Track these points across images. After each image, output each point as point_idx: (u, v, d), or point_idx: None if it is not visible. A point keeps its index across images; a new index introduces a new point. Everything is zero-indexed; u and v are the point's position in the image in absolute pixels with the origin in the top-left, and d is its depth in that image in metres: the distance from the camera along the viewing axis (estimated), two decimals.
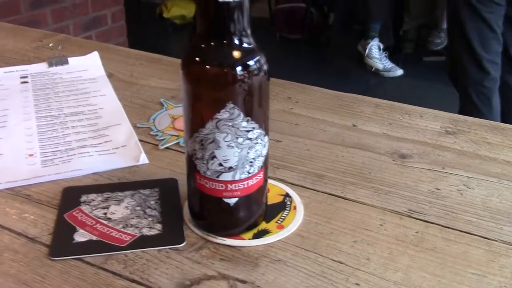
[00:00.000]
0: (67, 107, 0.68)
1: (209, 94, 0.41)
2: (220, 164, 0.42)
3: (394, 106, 0.69)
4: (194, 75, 0.41)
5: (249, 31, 0.40)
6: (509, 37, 1.66)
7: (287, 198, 0.51)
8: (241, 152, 0.42)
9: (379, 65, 2.69)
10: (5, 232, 0.46)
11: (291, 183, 0.53)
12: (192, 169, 0.44)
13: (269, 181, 0.50)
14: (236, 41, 0.40)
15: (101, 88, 0.73)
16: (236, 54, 0.40)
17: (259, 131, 0.42)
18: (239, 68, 0.39)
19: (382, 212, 0.49)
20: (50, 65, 0.79)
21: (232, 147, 0.41)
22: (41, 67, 0.79)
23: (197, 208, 0.47)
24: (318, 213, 0.49)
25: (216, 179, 0.43)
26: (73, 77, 0.76)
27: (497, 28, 1.63)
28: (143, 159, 0.57)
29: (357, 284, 0.41)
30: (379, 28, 2.71)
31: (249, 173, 0.43)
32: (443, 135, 0.62)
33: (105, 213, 0.48)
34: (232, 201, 0.44)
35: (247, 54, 0.40)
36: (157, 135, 0.62)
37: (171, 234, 0.46)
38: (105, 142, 0.60)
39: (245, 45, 0.40)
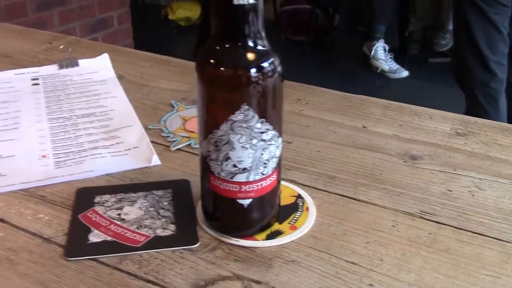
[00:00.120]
0: (78, 108, 0.68)
1: (224, 96, 0.41)
2: (235, 165, 0.42)
3: (404, 107, 0.69)
4: (209, 77, 0.41)
5: (263, 33, 0.41)
6: None
7: (299, 199, 0.51)
8: (255, 154, 0.42)
9: (385, 67, 2.69)
10: (20, 233, 0.47)
11: (302, 184, 0.53)
12: (206, 170, 0.44)
13: (281, 182, 0.50)
14: (251, 43, 0.40)
15: (112, 90, 0.73)
16: (251, 56, 0.40)
17: (273, 132, 0.42)
18: (254, 70, 0.40)
19: (394, 213, 0.49)
20: (61, 67, 0.80)
21: (246, 148, 0.42)
22: (52, 69, 0.80)
23: (210, 209, 0.47)
24: (330, 214, 0.49)
25: (230, 180, 0.43)
26: (83, 79, 0.77)
27: (504, 30, 1.63)
28: (155, 160, 0.57)
29: (370, 285, 0.41)
30: (384, 29, 2.71)
31: (263, 174, 0.43)
32: (454, 137, 0.63)
33: (119, 214, 0.49)
34: (246, 202, 0.44)
35: (262, 56, 0.40)
36: (168, 136, 0.62)
37: (185, 235, 0.46)
38: (117, 143, 0.60)
39: (259, 47, 0.41)
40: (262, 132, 0.42)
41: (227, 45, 0.40)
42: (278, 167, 0.45)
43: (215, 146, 0.42)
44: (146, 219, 0.48)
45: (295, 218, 0.48)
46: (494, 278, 0.42)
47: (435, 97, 2.36)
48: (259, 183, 0.44)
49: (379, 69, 2.71)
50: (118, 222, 0.47)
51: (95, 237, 0.46)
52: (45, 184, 0.53)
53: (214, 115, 0.42)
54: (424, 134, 0.63)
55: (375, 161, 0.57)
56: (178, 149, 0.60)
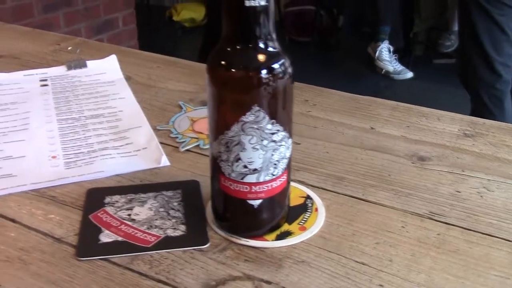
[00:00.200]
0: (87, 109, 0.68)
1: (235, 97, 0.41)
2: (245, 166, 0.43)
3: (411, 108, 0.70)
4: (221, 79, 0.41)
5: (274, 35, 0.41)
6: None
7: (308, 200, 0.51)
8: (266, 154, 0.42)
9: (389, 68, 2.69)
10: (32, 233, 0.47)
11: (311, 185, 0.54)
12: (217, 171, 0.44)
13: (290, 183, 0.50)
14: (262, 45, 0.40)
15: (120, 91, 0.74)
16: (262, 57, 0.41)
17: (283, 133, 0.43)
18: (265, 72, 0.40)
19: (403, 214, 0.49)
20: (69, 68, 0.80)
21: (257, 149, 0.42)
22: (60, 70, 0.80)
23: (220, 209, 0.47)
24: (339, 215, 0.49)
25: (241, 181, 0.43)
26: (92, 80, 0.77)
27: (509, 31, 1.63)
28: (164, 161, 0.57)
29: (380, 285, 0.41)
30: (389, 30, 2.71)
31: (273, 175, 0.44)
32: (462, 138, 0.63)
33: (129, 214, 0.49)
34: (256, 202, 0.44)
35: (273, 57, 0.41)
36: (177, 137, 0.62)
37: (195, 235, 0.46)
38: (126, 144, 0.60)
39: (270, 48, 0.41)
40: (272, 133, 0.42)
41: (238, 47, 0.41)
42: (288, 168, 0.45)
43: (226, 147, 0.42)
44: (156, 219, 0.48)
45: (304, 219, 0.48)
46: (504, 278, 0.42)
47: (440, 98, 2.36)
48: (269, 184, 0.44)
49: (384, 70, 2.71)
50: (129, 223, 0.48)
51: (106, 237, 0.46)
52: (56, 184, 0.54)
53: (225, 116, 0.42)
54: (432, 135, 0.63)
55: (383, 162, 0.58)
56: (187, 150, 0.60)
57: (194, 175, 0.55)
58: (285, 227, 0.47)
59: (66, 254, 0.44)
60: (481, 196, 0.52)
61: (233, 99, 0.42)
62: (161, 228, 0.47)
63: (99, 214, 0.49)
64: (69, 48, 0.88)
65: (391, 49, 2.71)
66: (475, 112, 1.67)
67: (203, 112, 0.68)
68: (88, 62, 0.82)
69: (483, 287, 0.41)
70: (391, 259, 0.44)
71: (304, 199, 0.51)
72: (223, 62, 0.41)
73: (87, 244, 0.45)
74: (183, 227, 0.47)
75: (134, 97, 0.72)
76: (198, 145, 0.61)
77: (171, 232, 0.47)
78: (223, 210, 0.47)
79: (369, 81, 2.73)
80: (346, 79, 2.66)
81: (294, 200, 0.50)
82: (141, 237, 0.46)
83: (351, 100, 0.72)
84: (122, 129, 0.64)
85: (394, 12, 2.71)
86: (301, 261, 0.44)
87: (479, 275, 0.42)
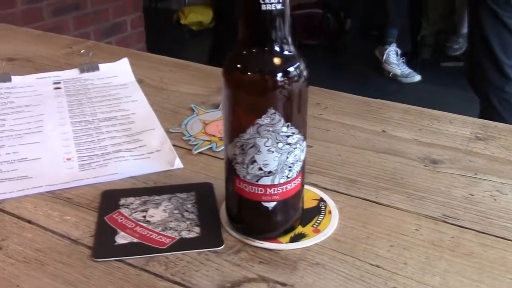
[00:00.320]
0: (100, 112, 0.69)
1: (251, 100, 0.42)
2: (260, 169, 0.43)
3: (423, 111, 0.70)
4: (237, 82, 0.42)
5: (289, 38, 0.41)
6: None
7: (322, 203, 0.51)
8: (281, 157, 0.43)
9: (397, 71, 2.69)
10: (48, 234, 0.48)
11: (324, 188, 0.54)
12: (231, 173, 0.45)
13: None
14: (278, 48, 0.41)
15: (132, 94, 0.74)
16: (279, 60, 0.41)
17: (298, 136, 0.43)
18: (281, 75, 0.40)
19: (417, 217, 0.49)
20: (82, 71, 0.81)
21: (272, 152, 0.42)
22: (73, 73, 0.81)
23: (235, 211, 0.47)
24: (353, 218, 0.49)
25: (256, 183, 0.44)
26: (104, 83, 0.78)
27: None
28: (178, 163, 0.58)
29: None
30: (396, 33, 2.71)
31: (288, 177, 0.44)
32: (474, 141, 0.63)
33: (144, 216, 0.49)
34: (271, 205, 0.45)
35: (289, 60, 0.41)
36: (189, 140, 0.63)
37: (209, 237, 0.47)
38: (140, 146, 0.61)
39: (286, 52, 0.41)
40: (287, 136, 0.42)
41: (254, 50, 0.41)
42: (302, 171, 0.46)
43: (241, 150, 0.43)
44: (171, 221, 0.49)
45: (318, 221, 0.49)
46: None
47: (448, 101, 2.35)
48: (283, 186, 0.44)
49: (391, 73, 2.71)
50: (144, 224, 0.48)
51: (122, 238, 0.47)
52: (71, 186, 0.54)
53: (241, 119, 0.42)
54: (444, 139, 0.63)
55: (395, 165, 0.58)
56: (200, 153, 0.60)
57: (207, 177, 0.56)
58: (299, 229, 0.48)
59: (83, 255, 0.45)
60: (495, 199, 0.52)
61: (249, 102, 0.42)
62: (176, 230, 0.47)
63: (114, 216, 0.49)
64: (82, 52, 0.88)
65: (399, 52, 2.70)
66: (484, 115, 1.67)
67: (215, 115, 0.69)
68: (100, 65, 0.82)
69: None
70: (405, 261, 0.44)
71: (317, 201, 0.52)
72: (239, 65, 0.42)
73: (103, 245, 0.46)
74: (197, 229, 0.48)
75: (146, 100, 0.72)
76: (210, 148, 0.61)
77: (185, 234, 0.47)
78: (238, 212, 0.47)
79: (376, 84, 2.72)
80: (354, 82, 2.65)
81: (308, 202, 0.51)
82: (156, 238, 0.46)
83: (362, 103, 0.72)
84: (135, 131, 0.64)
85: (402, 15, 2.70)
86: (316, 263, 0.44)
87: (494, 278, 0.42)
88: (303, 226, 0.48)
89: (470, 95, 1.83)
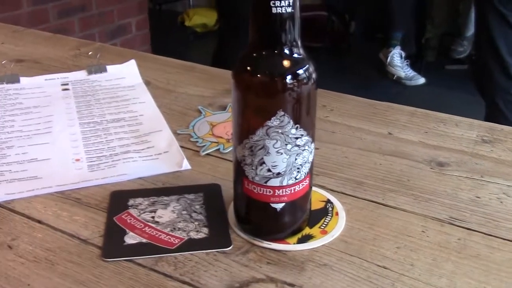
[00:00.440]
0: (108, 113, 0.70)
1: (261, 102, 0.42)
2: (269, 170, 0.43)
3: (429, 114, 0.70)
4: (247, 84, 0.42)
5: (299, 41, 0.42)
6: None
7: (329, 204, 0.52)
8: (290, 159, 0.43)
9: (401, 73, 2.69)
10: (58, 234, 0.48)
11: (331, 190, 0.54)
12: (240, 174, 0.45)
13: None
14: (287, 51, 0.41)
15: (140, 95, 0.75)
16: (288, 63, 0.41)
17: (306, 138, 0.43)
18: (290, 77, 0.41)
19: (423, 219, 0.50)
20: (89, 72, 0.82)
21: (281, 153, 0.43)
22: (81, 74, 0.82)
23: (243, 212, 0.48)
24: (360, 219, 0.50)
25: (264, 184, 0.44)
26: (112, 84, 0.78)
27: None
28: (186, 164, 0.58)
29: None
30: (401, 36, 2.71)
31: (296, 179, 0.44)
32: (480, 144, 0.63)
33: (153, 217, 0.50)
34: (279, 206, 0.45)
35: (298, 63, 0.42)
36: (197, 141, 0.63)
37: (218, 238, 0.47)
38: (148, 148, 0.61)
39: (295, 54, 0.42)
40: (296, 138, 0.43)
41: (264, 53, 0.41)
42: (310, 172, 0.46)
43: (250, 151, 0.43)
44: (179, 222, 0.49)
45: (325, 223, 0.49)
46: None
47: (452, 104, 2.35)
48: (292, 188, 0.44)
49: (395, 76, 2.71)
50: (152, 225, 0.49)
51: (131, 239, 0.47)
52: (80, 187, 0.55)
53: (250, 121, 0.43)
54: (450, 141, 0.63)
55: (402, 167, 0.58)
56: (207, 154, 0.61)
57: (215, 178, 0.56)
58: (307, 230, 0.48)
59: (92, 255, 0.45)
60: (501, 202, 0.52)
61: (258, 104, 0.42)
62: (184, 231, 0.48)
63: (123, 216, 0.50)
64: (90, 53, 0.89)
65: (403, 55, 2.70)
66: (489, 118, 1.67)
67: (222, 117, 0.69)
68: (108, 67, 0.83)
69: None
70: (412, 263, 0.44)
71: (324, 203, 0.52)
72: (249, 68, 0.42)
73: (113, 245, 0.46)
74: (205, 230, 0.48)
75: (154, 101, 0.73)
76: (218, 149, 0.61)
77: (194, 235, 0.47)
78: (246, 213, 0.48)
79: (381, 86, 2.72)
80: (358, 85, 2.65)
81: (315, 204, 0.51)
82: (165, 239, 0.47)
83: (368, 105, 0.73)
84: (143, 133, 0.65)
85: (407, 17, 2.70)
86: (323, 264, 0.44)
87: (501, 280, 0.43)
88: (311, 227, 0.48)
89: (475, 98, 1.83)
